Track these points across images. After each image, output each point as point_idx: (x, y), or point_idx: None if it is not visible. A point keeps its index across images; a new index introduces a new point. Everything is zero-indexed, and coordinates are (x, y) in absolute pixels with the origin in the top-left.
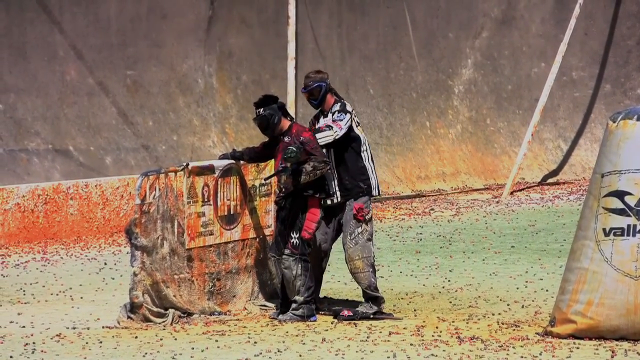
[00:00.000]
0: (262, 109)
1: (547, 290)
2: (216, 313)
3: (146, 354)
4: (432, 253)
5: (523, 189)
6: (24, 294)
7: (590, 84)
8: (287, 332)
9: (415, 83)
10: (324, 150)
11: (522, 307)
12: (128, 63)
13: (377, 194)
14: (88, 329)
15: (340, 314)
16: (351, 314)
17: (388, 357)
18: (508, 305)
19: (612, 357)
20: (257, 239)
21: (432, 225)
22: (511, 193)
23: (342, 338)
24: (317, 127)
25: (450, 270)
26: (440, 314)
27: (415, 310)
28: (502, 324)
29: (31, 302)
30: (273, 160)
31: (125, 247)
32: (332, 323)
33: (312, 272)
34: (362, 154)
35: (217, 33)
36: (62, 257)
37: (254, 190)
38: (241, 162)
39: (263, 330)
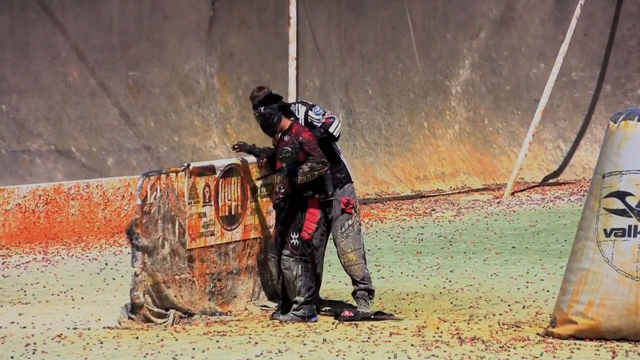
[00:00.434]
0: (262, 108)
1: (548, 291)
2: (217, 313)
3: (147, 354)
4: (433, 253)
5: (524, 190)
6: (25, 295)
7: (591, 85)
8: (288, 332)
9: (413, 84)
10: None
11: (523, 307)
12: (130, 64)
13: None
14: (89, 329)
15: (341, 314)
16: (352, 314)
17: (389, 358)
18: (509, 305)
19: (613, 357)
20: (258, 240)
21: (433, 226)
22: (512, 194)
23: (343, 339)
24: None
25: (451, 271)
26: (441, 314)
27: (416, 310)
28: (503, 324)
29: (32, 302)
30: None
31: (126, 247)
32: (333, 324)
33: (313, 272)
34: (333, 144)
35: (218, 33)
36: (63, 258)
37: (255, 191)
38: (249, 160)
39: (264, 330)
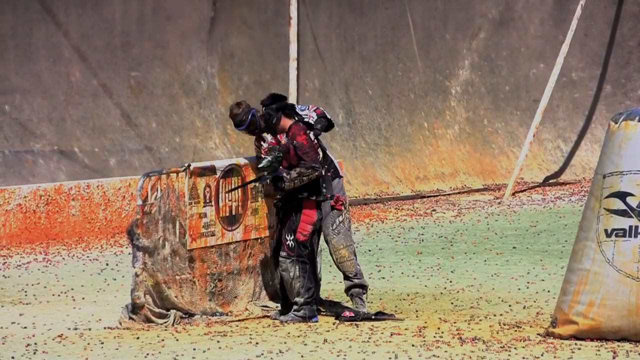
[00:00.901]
0: (263, 108)
1: (548, 291)
2: (218, 314)
3: (148, 354)
4: (434, 254)
5: (524, 190)
6: (26, 295)
7: (591, 85)
8: (288, 333)
9: (413, 84)
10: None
11: (524, 308)
12: (132, 64)
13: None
14: (90, 329)
15: (342, 314)
16: (353, 314)
17: (390, 358)
18: (510, 306)
19: (614, 358)
20: (259, 240)
21: (434, 226)
22: (513, 194)
23: (343, 339)
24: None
25: (451, 271)
26: (442, 314)
27: (417, 311)
28: (504, 324)
29: (33, 302)
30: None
31: (126, 248)
32: (333, 324)
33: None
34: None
35: (218, 34)
36: (63, 258)
37: (255, 191)
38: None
39: (265, 331)
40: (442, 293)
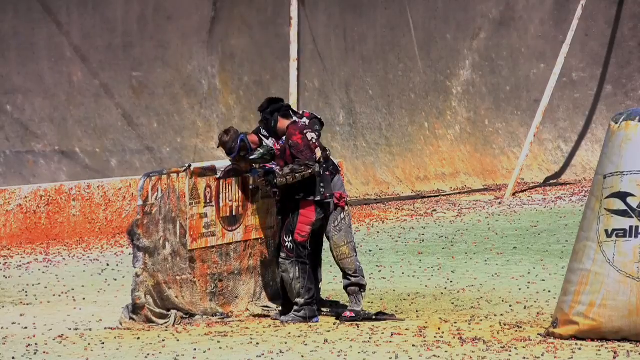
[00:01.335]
0: (262, 114)
1: (549, 292)
2: (218, 314)
3: (148, 355)
4: (435, 254)
5: (525, 190)
6: (26, 295)
7: (591, 85)
8: (289, 333)
9: (413, 84)
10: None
11: (525, 308)
12: (133, 64)
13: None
14: (90, 330)
15: (343, 315)
16: (353, 315)
17: (390, 358)
18: (510, 306)
19: (614, 358)
20: (259, 240)
21: (434, 226)
22: (513, 194)
23: (344, 339)
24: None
25: (452, 271)
26: (443, 315)
27: (417, 311)
28: (505, 325)
29: (33, 303)
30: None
31: (127, 248)
32: (334, 324)
33: (311, 273)
34: None
35: (219, 34)
36: (64, 258)
37: (256, 191)
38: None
39: (265, 331)
40: (442, 293)
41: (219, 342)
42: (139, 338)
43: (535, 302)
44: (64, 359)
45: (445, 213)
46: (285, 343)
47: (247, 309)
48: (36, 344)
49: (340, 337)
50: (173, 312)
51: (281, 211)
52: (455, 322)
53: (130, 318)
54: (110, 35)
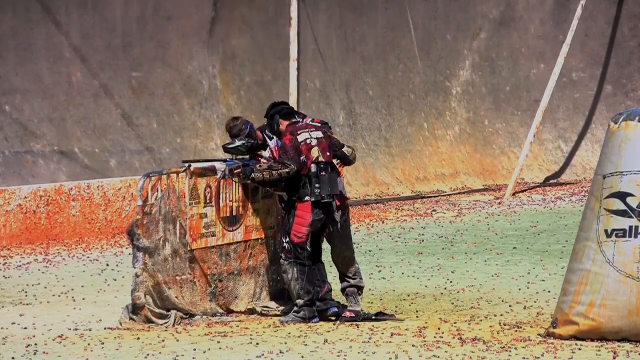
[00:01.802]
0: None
1: (549, 292)
2: (218, 314)
3: (148, 355)
4: (434, 254)
5: (525, 190)
6: (26, 295)
7: (591, 85)
8: (289, 333)
9: (413, 84)
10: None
11: (524, 308)
12: (133, 65)
13: None
14: (90, 330)
15: (342, 315)
16: (353, 315)
17: (390, 358)
18: (510, 306)
19: (614, 358)
20: (259, 240)
21: (434, 227)
22: (513, 194)
23: (344, 339)
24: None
25: (452, 272)
26: (442, 315)
27: (417, 311)
28: (504, 325)
29: (33, 303)
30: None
31: (127, 248)
32: (334, 324)
33: (313, 274)
34: None
35: (219, 34)
36: (64, 259)
37: (256, 191)
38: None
39: (265, 331)
40: (442, 293)
41: (218, 342)
42: (138, 338)
43: (535, 302)
44: (63, 359)
45: (444, 213)
46: (285, 343)
47: (247, 309)
48: (36, 344)
49: (340, 337)
50: (173, 312)
51: (283, 212)
52: (455, 322)
53: (130, 318)
54: (109, 36)
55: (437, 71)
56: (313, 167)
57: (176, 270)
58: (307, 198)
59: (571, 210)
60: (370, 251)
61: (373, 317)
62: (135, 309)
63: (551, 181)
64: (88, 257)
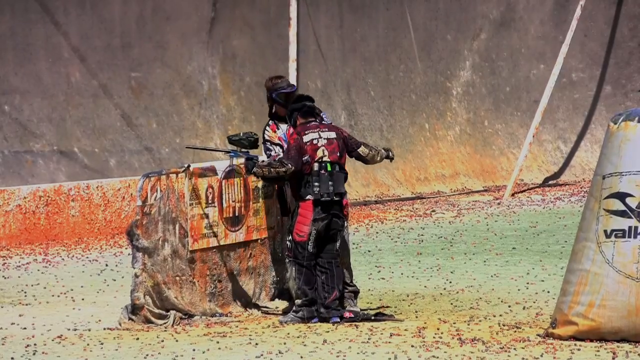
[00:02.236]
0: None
1: (548, 292)
2: (217, 315)
3: (147, 355)
4: (433, 254)
5: (524, 191)
6: (25, 296)
7: (591, 86)
8: (288, 333)
9: (414, 85)
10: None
11: (524, 308)
12: (132, 65)
13: None
14: (89, 330)
15: (342, 315)
16: (352, 315)
17: (389, 359)
18: (509, 306)
19: (614, 358)
20: (259, 241)
21: (433, 227)
22: (512, 194)
23: (343, 340)
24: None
25: (451, 272)
26: (442, 315)
27: (416, 311)
28: (504, 325)
29: (32, 303)
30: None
31: (126, 248)
32: (333, 325)
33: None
34: None
35: (219, 35)
36: (63, 259)
37: (257, 192)
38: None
39: (264, 331)
40: (441, 294)
41: (218, 342)
42: (138, 338)
43: (534, 302)
44: (62, 359)
45: (444, 213)
46: (284, 344)
47: (247, 310)
48: (35, 344)
49: (339, 337)
50: (172, 312)
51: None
52: (454, 323)
53: (129, 318)
54: (108, 36)
55: (438, 72)
56: (315, 166)
57: (176, 271)
58: (308, 197)
59: (570, 210)
60: (369, 251)
61: (372, 318)
62: (134, 310)
63: (550, 182)
64: (87, 257)
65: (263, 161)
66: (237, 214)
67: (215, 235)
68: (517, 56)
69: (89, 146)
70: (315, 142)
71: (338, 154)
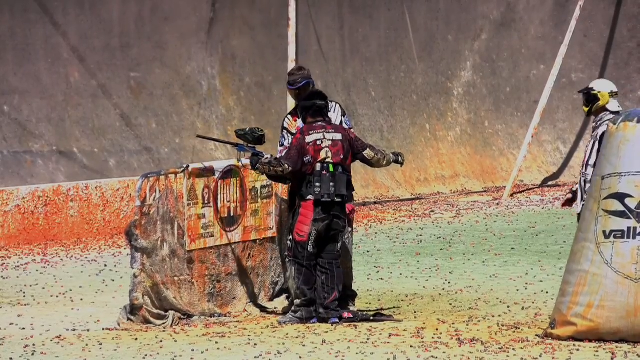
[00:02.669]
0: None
1: (547, 292)
2: (216, 315)
3: (146, 355)
4: (432, 255)
5: (523, 191)
6: (24, 296)
7: None
8: (287, 334)
9: (415, 85)
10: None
11: (522, 309)
12: (131, 65)
13: None
14: (88, 330)
15: (341, 315)
16: (351, 315)
17: (388, 359)
18: (508, 307)
19: (612, 359)
20: (258, 241)
21: (432, 227)
22: (511, 195)
23: (342, 340)
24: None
25: (450, 272)
26: (441, 315)
27: (415, 312)
28: (502, 326)
29: (31, 303)
30: None
31: (125, 249)
32: (332, 325)
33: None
34: None
35: (219, 35)
36: (62, 259)
37: (255, 192)
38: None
39: (263, 332)
40: (440, 294)
41: (216, 342)
42: (136, 339)
43: (533, 303)
44: (61, 359)
45: (443, 214)
46: (283, 344)
47: (245, 310)
48: (34, 344)
49: (338, 338)
50: (171, 312)
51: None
52: (453, 323)
53: (128, 319)
54: (107, 36)
55: (439, 72)
56: (317, 167)
57: (174, 271)
58: (309, 197)
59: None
60: (368, 252)
61: (371, 318)
62: (133, 310)
63: (549, 183)
64: (86, 257)
65: (267, 158)
66: (232, 215)
67: (212, 236)
68: (518, 57)
69: (88, 146)
70: (319, 143)
71: (342, 156)
